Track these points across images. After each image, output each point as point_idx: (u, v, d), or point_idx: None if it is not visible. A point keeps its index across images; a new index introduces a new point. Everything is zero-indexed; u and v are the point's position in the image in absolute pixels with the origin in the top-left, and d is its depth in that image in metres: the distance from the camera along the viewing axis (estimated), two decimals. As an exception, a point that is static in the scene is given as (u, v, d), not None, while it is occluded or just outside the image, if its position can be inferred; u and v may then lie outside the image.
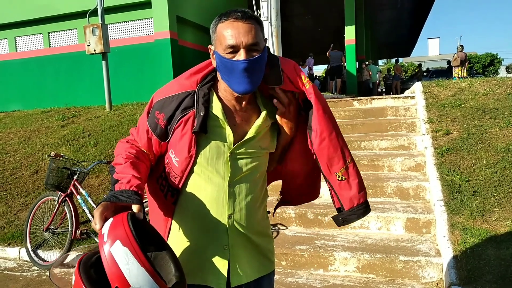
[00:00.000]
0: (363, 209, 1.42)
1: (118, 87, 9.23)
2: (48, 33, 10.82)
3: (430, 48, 65.21)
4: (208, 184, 1.33)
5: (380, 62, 43.64)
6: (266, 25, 7.64)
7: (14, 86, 11.23)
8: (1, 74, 11.37)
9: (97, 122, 6.95)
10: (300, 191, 1.62)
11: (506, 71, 45.29)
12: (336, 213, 1.46)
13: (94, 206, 3.95)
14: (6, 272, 3.98)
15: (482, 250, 3.09)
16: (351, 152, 1.46)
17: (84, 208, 3.97)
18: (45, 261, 4.00)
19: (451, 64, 16.09)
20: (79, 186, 3.98)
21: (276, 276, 3.23)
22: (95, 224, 1.09)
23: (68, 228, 3.91)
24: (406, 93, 8.93)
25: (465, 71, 15.14)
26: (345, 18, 15.39)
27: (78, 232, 3.86)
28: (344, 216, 1.42)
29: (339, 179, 1.39)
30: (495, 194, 3.73)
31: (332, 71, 15.34)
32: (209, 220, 1.33)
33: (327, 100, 7.29)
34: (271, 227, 1.58)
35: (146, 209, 2.25)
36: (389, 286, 3.13)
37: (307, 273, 3.43)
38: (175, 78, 1.42)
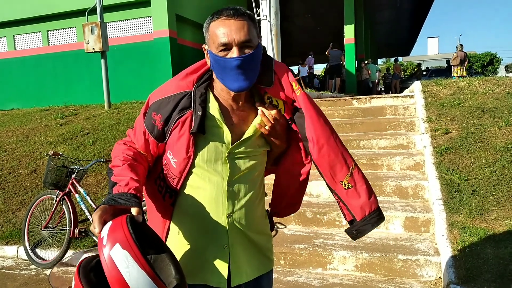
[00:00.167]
0: (377, 217, 1.36)
1: (117, 86, 9.22)
2: (47, 31, 10.80)
3: (430, 47, 65.27)
4: (207, 184, 1.32)
5: (380, 61, 43.64)
6: (265, 24, 7.64)
7: (12, 85, 11.20)
8: (-1, 72, 11.36)
9: (96, 121, 6.94)
10: (291, 201, 1.58)
11: (505, 70, 45.32)
12: (348, 226, 1.40)
13: (93, 204, 3.95)
14: (4, 270, 3.97)
15: (480, 249, 3.09)
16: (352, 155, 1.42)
17: (83, 206, 3.96)
18: (43, 259, 4.00)
19: (450, 63, 16.11)
20: (77, 185, 3.97)
21: (275, 275, 3.22)
22: (94, 227, 1.09)
23: (66, 227, 3.91)
24: (405, 92, 8.93)
25: (464, 70, 15.16)
26: (344, 17, 15.39)
27: (76, 231, 3.85)
28: (358, 227, 1.36)
29: (346, 187, 1.35)
30: (494, 193, 3.73)
31: (332, 70, 15.34)
32: (208, 220, 1.33)
33: (326, 99, 7.24)
34: (276, 225, 1.57)
35: (144, 208, 2.24)
36: (388, 285, 3.13)
37: (305, 272, 3.43)
38: (171, 79, 1.41)
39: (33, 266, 4.00)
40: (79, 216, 4.17)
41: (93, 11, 7.87)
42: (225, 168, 1.33)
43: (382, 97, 7.51)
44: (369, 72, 16.85)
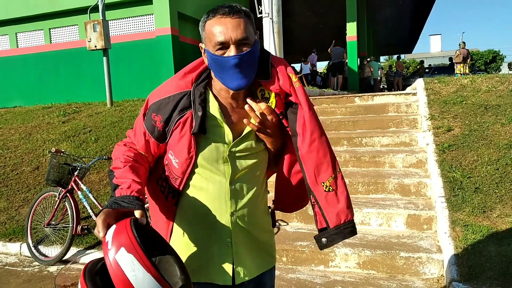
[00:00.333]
0: (351, 228, 1.31)
1: (119, 83, 9.23)
2: (49, 29, 10.82)
3: (432, 45, 65.01)
4: (209, 183, 1.32)
5: (382, 58, 43.54)
6: (267, 22, 7.62)
7: (15, 82, 11.24)
8: (2, 70, 11.39)
9: (98, 118, 6.95)
10: (295, 198, 1.53)
11: (508, 67, 45.05)
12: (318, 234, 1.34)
13: (95, 201, 3.96)
14: (7, 267, 3.99)
15: (483, 246, 3.09)
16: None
17: (85, 204, 3.97)
18: (46, 256, 4.01)
19: (453, 61, 16.03)
20: (80, 182, 3.98)
21: (277, 272, 3.23)
22: (98, 232, 1.08)
23: (69, 224, 3.92)
24: (408, 89, 8.91)
25: (467, 67, 15.09)
26: (346, 14, 15.34)
27: (79, 228, 3.86)
28: (329, 235, 1.30)
29: (326, 189, 1.30)
30: (496, 191, 3.72)
31: (334, 67, 15.30)
32: (211, 219, 1.33)
33: (328, 96, 7.25)
34: (278, 221, 1.55)
35: (146, 205, 2.25)
36: (390, 282, 3.13)
37: (307, 269, 3.43)
38: (169, 78, 1.39)
39: (36, 263, 4.02)
40: (81, 213, 4.18)
41: (95, 8, 7.87)
42: (227, 167, 1.32)
43: (384, 94, 7.49)
44: (371, 70, 16.81)
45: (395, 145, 5.25)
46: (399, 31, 25.68)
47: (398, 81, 19.14)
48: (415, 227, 3.72)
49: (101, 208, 3.98)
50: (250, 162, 1.35)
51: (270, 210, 1.55)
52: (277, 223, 4.03)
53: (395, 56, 29.70)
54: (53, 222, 4.12)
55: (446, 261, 3.08)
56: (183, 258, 1.23)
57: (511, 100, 5.29)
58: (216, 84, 1.34)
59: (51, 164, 3.96)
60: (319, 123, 1.33)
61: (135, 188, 1.19)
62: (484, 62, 41.45)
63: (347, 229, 1.30)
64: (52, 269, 3.86)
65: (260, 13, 7.70)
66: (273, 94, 1.35)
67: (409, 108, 6.27)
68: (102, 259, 1.09)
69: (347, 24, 15.42)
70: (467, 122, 4.99)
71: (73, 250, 4.00)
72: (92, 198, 3.97)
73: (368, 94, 7.58)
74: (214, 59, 1.25)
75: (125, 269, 1.00)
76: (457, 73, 14.64)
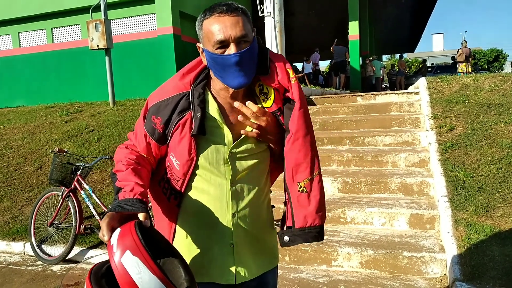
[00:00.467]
0: (316, 233, 1.32)
1: (122, 83, 9.25)
2: (51, 28, 10.84)
3: (435, 44, 64.84)
4: (210, 185, 1.32)
5: (384, 57, 43.45)
6: (269, 21, 7.61)
7: (17, 82, 11.27)
8: (5, 70, 11.41)
9: (101, 118, 6.96)
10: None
11: (511, 66, 44.97)
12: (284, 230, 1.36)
13: (98, 201, 3.97)
14: (11, 266, 4.00)
15: (486, 246, 3.08)
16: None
17: (88, 203, 3.98)
18: (49, 255, 4.02)
19: (456, 60, 16.00)
20: (82, 181, 3.99)
21: (280, 271, 3.23)
22: (103, 235, 1.09)
23: (72, 223, 3.93)
24: (410, 88, 8.89)
25: (469, 66, 15.07)
26: (348, 13, 15.32)
27: (82, 227, 3.87)
28: (291, 235, 1.32)
29: (300, 190, 1.31)
30: (499, 190, 3.71)
31: (336, 66, 15.28)
32: (213, 220, 1.33)
33: (330, 95, 7.23)
34: (275, 222, 1.56)
35: (150, 204, 2.26)
36: (393, 282, 3.12)
37: (310, 268, 3.43)
38: (168, 79, 1.39)
39: (40, 262, 4.03)
40: (84, 212, 4.20)
41: (97, 8, 7.89)
42: (227, 168, 1.32)
43: (386, 93, 7.48)
44: (374, 69, 16.77)
45: (398, 145, 5.24)
46: (402, 30, 25.61)
47: (400, 80, 19.11)
48: (418, 226, 3.72)
49: (104, 207, 4.01)
50: (251, 163, 1.35)
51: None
52: (279, 223, 4.03)
53: (397, 55, 29.64)
54: (56, 222, 4.14)
55: (449, 261, 3.07)
56: (186, 259, 1.24)
57: (514, 99, 5.27)
58: (215, 84, 1.33)
59: (54, 164, 3.97)
60: (307, 122, 1.32)
61: (138, 191, 1.20)
62: (487, 61, 41.31)
63: (311, 233, 1.32)
64: (56, 268, 3.88)
65: (262, 12, 7.70)
66: (271, 90, 1.34)
67: (411, 107, 6.26)
68: (107, 262, 1.10)
69: (349, 23, 15.40)
70: (469, 121, 4.98)
71: (76, 250, 4.01)
72: (95, 198, 3.98)
73: (371, 93, 7.58)
74: (214, 58, 1.24)
75: (131, 272, 1.01)
76: (459, 72, 14.60)
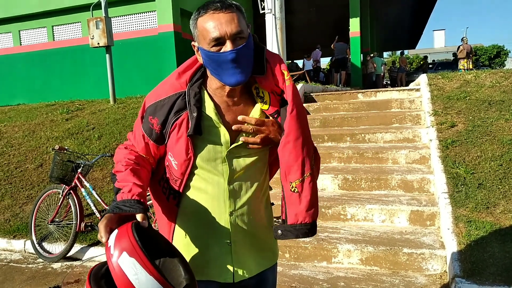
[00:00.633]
0: (306, 230, 1.34)
1: (122, 80, 9.25)
2: (52, 26, 10.84)
3: (436, 40, 64.69)
4: (208, 184, 1.32)
5: (385, 54, 43.33)
6: (270, 18, 7.59)
7: (18, 80, 11.28)
8: (5, 67, 11.43)
9: (101, 116, 6.97)
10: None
11: (513, 63, 44.82)
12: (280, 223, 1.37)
13: (99, 198, 3.97)
14: (12, 264, 4.02)
15: (486, 242, 3.08)
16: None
17: (89, 201, 3.99)
18: (50, 253, 4.04)
19: (457, 56, 15.96)
20: (83, 179, 3.99)
21: (280, 268, 3.24)
22: (101, 237, 1.09)
23: (72, 221, 3.94)
24: (411, 85, 8.86)
25: (471, 63, 15.02)
26: (350, 10, 15.28)
27: (82, 225, 3.88)
28: (284, 229, 1.35)
29: (292, 189, 1.32)
30: (500, 187, 3.71)
31: (337, 63, 15.24)
32: (211, 219, 1.33)
33: (331, 92, 7.20)
34: (275, 219, 1.56)
35: (149, 202, 2.25)
36: (393, 278, 3.13)
37: (310, 265, 3.44)
38: (165, 79, 1.38)
39: (40, 260, 4.04)
40: (85, 210, 4.20)
41: (97, 5, 7.87)
42: (225, 167, 1.32)
43: (387, 90, 7.46)
44: (375, 66, 16.73)
45: (398, 141, 5.24)
46: (402, 26, 25.53)
47: (401, 76, 19.08)
48: (418, 223, 3.72)
49: (104, 205, 4.02)
50: (249, 161, 1.35)
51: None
52: (279, 220, 4.03)
53: (398, 52, 29.57)
54: (57, 219, 4.15)
55: (449, 257, 3.07)
56: (185, 257, 1.24)
57: (515, 96, 5.26)
58: (212, 83, 1.32)
59: (55, 162, 3.97)
60: (299, 124, 1.31)
61: (136, 192, 1.20)
62: (488, 57, 41.17)
63: (302, 230, 1.34)
64: (56, 266, 3.89)
65: (263, 9, 7.68)
66: (266, 93, 1.34)
67: (412, 104, 6.25)
68: (106, 263, 1.10)
69: (350, 19, 15.36)
70: (470, 117, 4.97)
71: (76, 247, 4.02)
72: (96, 195, 3.99)
73: (371, 90, 7.55)
74: (210, 56, 1.22)
75: (127, 273, 1.01)
76: (460, 69, 14.56)
